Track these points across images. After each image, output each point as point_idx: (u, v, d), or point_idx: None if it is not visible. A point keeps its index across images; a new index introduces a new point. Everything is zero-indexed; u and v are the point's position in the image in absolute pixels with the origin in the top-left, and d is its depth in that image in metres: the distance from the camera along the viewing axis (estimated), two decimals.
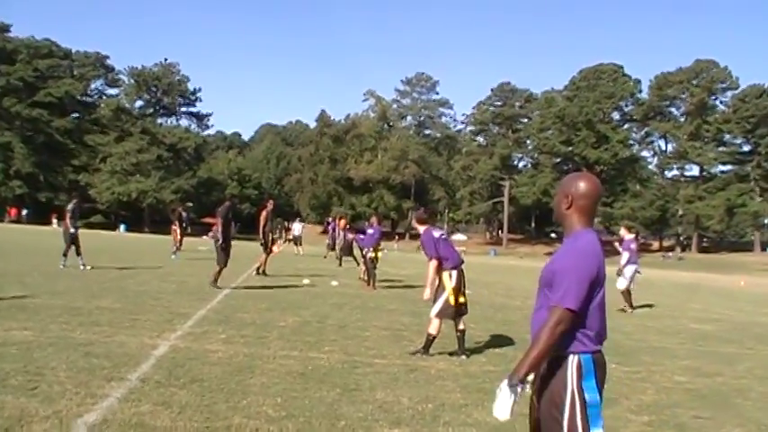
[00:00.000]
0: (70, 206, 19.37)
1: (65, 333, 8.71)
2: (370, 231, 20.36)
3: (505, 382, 3.17)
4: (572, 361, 3.21)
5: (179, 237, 27.34)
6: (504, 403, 3.13)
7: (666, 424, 6.48)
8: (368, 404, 6.39)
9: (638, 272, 18.66)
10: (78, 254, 18.44)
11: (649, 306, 19.73)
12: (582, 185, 3.41)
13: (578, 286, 3.17)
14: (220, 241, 15.84)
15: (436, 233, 9.39)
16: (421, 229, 9.53)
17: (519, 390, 3.14)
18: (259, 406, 6.03)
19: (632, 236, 19.23)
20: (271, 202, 21.02)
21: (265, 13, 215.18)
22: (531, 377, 3.33)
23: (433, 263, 9.18)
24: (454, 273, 9.16)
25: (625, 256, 17.89)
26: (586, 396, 3.18)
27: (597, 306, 3.27)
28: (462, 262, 9.42)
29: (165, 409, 5.72)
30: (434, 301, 9.10)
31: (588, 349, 3.24)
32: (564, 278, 3.20)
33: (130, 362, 7.34)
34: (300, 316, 12.07)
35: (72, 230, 18.56)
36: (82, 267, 17.90)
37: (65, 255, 18.41)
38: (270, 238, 20.54)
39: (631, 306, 17.65)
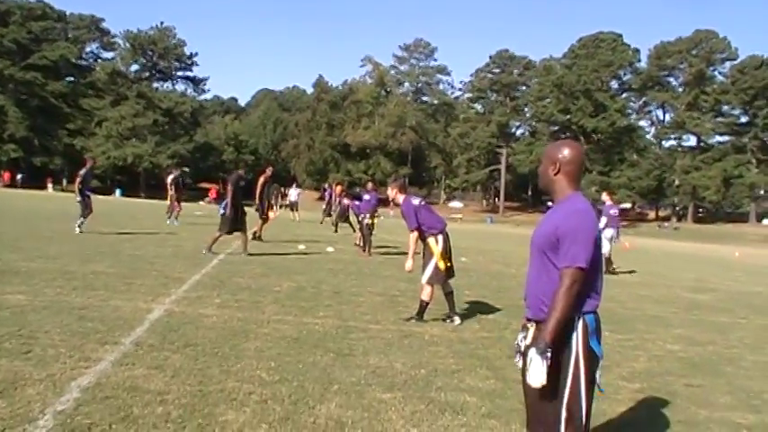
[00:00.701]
0: (83, 171, 19.18)
1: (59, 297, 8.72)
2: (366, 198, 20.34)
3: (533, 350, 3.25)
4: (578, 322, 3.32)
5: (176, 201, 27.18)
6: (537, 370, 3.22)
7: (658, 391, 6.51)
8: (361, 369, 6.42)
9: (616, 238, 19.31)
10: (83, 216, 18.32)
11: (631, 272, 20.13)
12: (567, 151, 3.54)
13: (586, 245, 3.29)
14: (228, 209, 15.68)
15: (416, 200, 9.35)
16: (400, 198, 9.43)
17: (548, 355, 3.22)
18: (253, 370, 6.05)
19: (611, 203, 19.86)
20: (270, 168, 20.96)
21: None
22: (527, 340, 3.41)
23: (414, 234, 9.19)
24: (440, 237, 9.15)
25: (603, 220, 18.47)
26: (592, 353, 3.34)
27: (597, 265, 3.39)
28: (445, 225, 9.41)
29: (158, 372, 5.73)
30: (423, 267, 9.10)
31: (591, 308, 3.37)
32: (572, 239, 3.30)
33: (125, 326, 7.36)
34: (295, 281, 12.09)
35: (79, 198, 18.42)
36: (77, 230, 17.84)
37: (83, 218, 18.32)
38: (266, 203, 20.53)
39: (609, 270, 18.19)
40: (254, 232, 19.94)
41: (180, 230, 22.03)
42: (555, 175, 3.54)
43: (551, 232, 3.39)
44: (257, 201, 20.20)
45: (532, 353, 3.25)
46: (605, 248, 17.95)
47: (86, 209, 18.43)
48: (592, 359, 3.33)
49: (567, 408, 3.29)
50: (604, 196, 20.12)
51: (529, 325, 3.48)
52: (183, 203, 30.21)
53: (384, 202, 16.46)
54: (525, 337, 3.49)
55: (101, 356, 6.07)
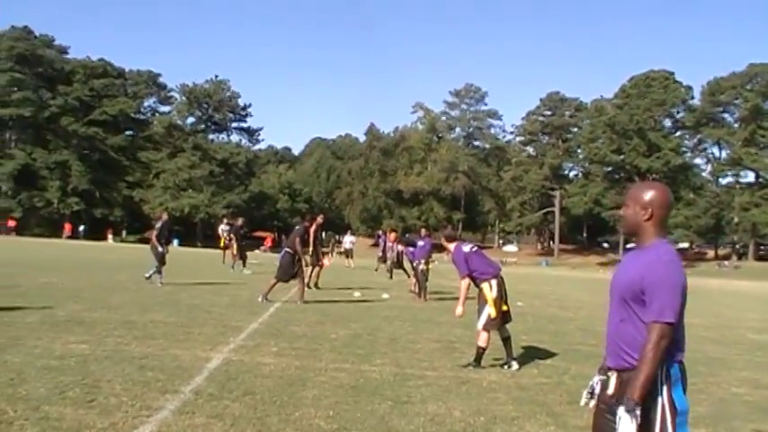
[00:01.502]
0: (159, 224, 19.56)
1: (120, 346, 8.87)
2: (420, 243, 20.37)
3: (622, 408, 3.16)
4: (662, 371, 3.23)
5: (235, 250, 27.58)
6: (628, 429, 3.13)
7: None
8: (419, 417, 6.38)
9: None
10: (159, 271, 18.59)
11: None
12: (660, 196, 3.42)
13: (674, 298, 3.20)
14: (287, 258, 16.01)
15: (466, 248, 9.38)
16: (451, 247, 9.51)
17: (638, 413, 3.13)
18: (311, 418, 6.06)
19: None
20: (321, 216, 21.22)
21: (314, 28, 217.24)
22: (606, 387, 3.37)
23: (466, 281, 9.18)
24: (494, 282, 9.11)
25: None
26: (677, 404, 3.22)
27: (683, 316, 3.30)
28: (500, 270, 9.38)
29: (218, 421, 5.78)
30: (479, 313, 9.07)
31: (676, 359, 3.28)
32: (658, 291, 3.20)
33: (184, 374, 7.44)
34: (351, 329, 12.11)
35: (160, 249, 18.72)
36: (160, 284, 18.07)
37: (159, 272, 18.56)
38: (320, 251, 20.67)
39: None
40: (308, 282, 19.94)
41: (236, 279, 22.24)
42: (646, 220, 3.41)
43: (636, 282, 3.29)
44: (311, 248, 20.35)
45: (621, 411, 3.16)
46: None
47: (162, 260, 18.67)
48: (674, 410, 3.22)
49: None
50: None
51: (610, 373, 3.39)
52: (227, 251, 30.71)
53: (439, 247, 16.44)
54: (601, 383, 3.41)
55: (161, 405, 6.14)
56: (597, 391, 3.41)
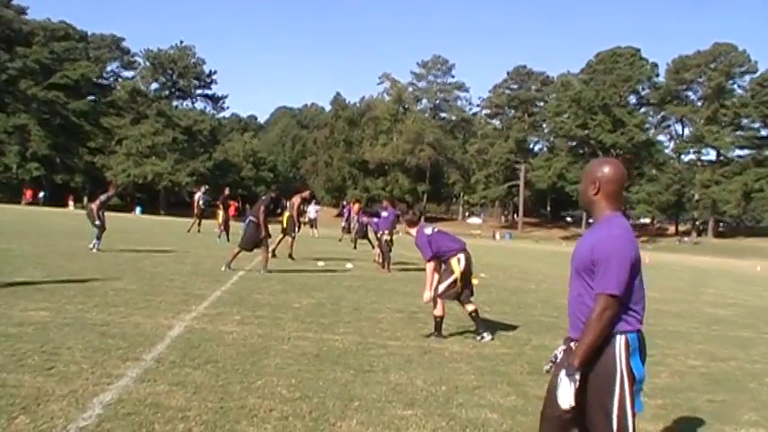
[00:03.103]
0: (105, 197, 19.30)
1: (81, 314, 8.78)
2: (384, 214, 20.38)
3: (563, 372, 3.29)
4: (620, 340, 3.33)
5: (221, 219, 27.31)
6: (566, 392, 3.26)
7: (680, 407, 6.47)
8: (381, 385, 6.41)
9: None
10: (98, 237, 18.34)
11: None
12: (608, 170, 3.50)
13: (620, 270, 3.28)
14: (252, 227, 15.94)
15: (428, 230, 9.37)
16: (413, 231, 9.51)
17: (577, 377, 3.26)
18: (273, 387, 6.06)
19: None
20: (308, 192, 21.56)
21: None
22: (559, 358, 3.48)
23: (431, 264, 9.18)
24: (462, 256, 9.14)
25: None
26: (635, 372, 3.32)
27: (638, 286, 3.39)
28: (465, 245, 9.41)
29: (180, 389, 5.75)
30: (440, 281, 9.10)
31: (634, 328, 3.37)
32: (606, 264, 3.30)
33: (146, 342, 7.40)
34: (315, 298, 12.11)
35: (98, 222, 18.43)
36: (96, 249, 17.86)
37: (98, 238, 18.31)
38: (300, 223, 20.90)
39: None
40: (289, 254, 19.88)
41: (199, 247, 22.11)
42: (595, 195, 3.51)
43: (588, 256, 3.39)
44: (296, 220, 20.43)
45: (562, 375, 3.29)
46: None
47: (103, 228, 18.46)
48: (632, 377, 3.32)
49: (618, 428, 3.28)
50: None
51: (572, 344, 3.45)
52: (204, 221, 30.44)
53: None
54: (564, 352, 3.50)
55: (122, 373, 6.10)
56: (560, 359, 3.48)
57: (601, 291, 3.28)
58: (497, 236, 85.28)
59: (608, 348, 3.32)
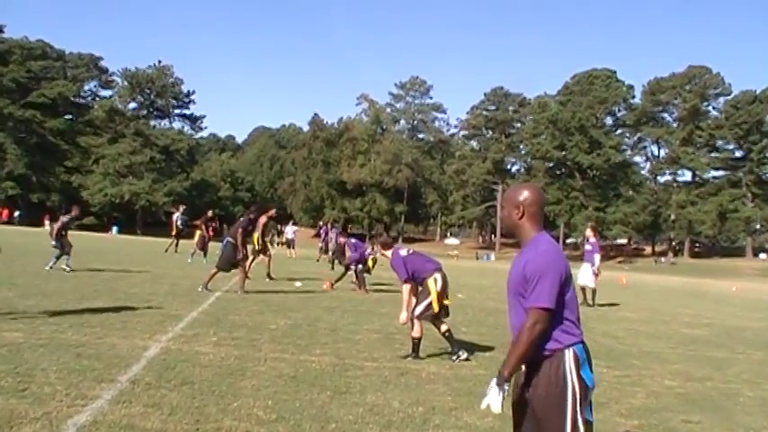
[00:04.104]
0: (67, 219, 19.06)
1: (55, 334, 8.70)
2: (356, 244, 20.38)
3: (494, 381, 3.40)
4: (568, 355, 3.42)
5: (197, 239, 27.13)
6: (495, 399, 3.37)
7: (656, 428, 6.50)
8: (358, 407, 6.40)
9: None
10: (59, 257, 18.09)
11: (614, 305, 20.49)
12: (529, 194, 3.67)
13: (551, 285, 3.38)
14: (229, 247, 15.92)
15: (403, 252, 9.43)
16: (388, 253, 9.59)
17: (506, 388, 3.38)
18: (250, 408, 6.04)
19: (594, 238, 20.28)
20: (274, 210, 21.42)
21: (259, 16, 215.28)
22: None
23: (407, 286, 9.19)
24: (438, 276, 9.18)
25: (597, 257, 19.17)
26: (586, 382, 3.42)
27: (572, 299, 3.49)
28: (440, 265, 9.45)
29: (155, 410, 5.72)
30: (417, 303, 9.11)
31: (578, 339, 3.48)
32: (537, 280, 3.40)
33: (121, 363, 7.34)
34: (292, 319, 12.08)
35: (54, 242, 18.17)
36: (49, 268, 17.61)
37: (59, 257, 18.04)
38: (267, 241, 20.73)
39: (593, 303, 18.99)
40: (268, 274, 19.82)
41: (175, 268, 21.99)
42: (519, 219, 3.64)
43: (521, 277, 3.49)
44: (261, 240, 20.33)
45: (492, 383, 3.40)
46: (593, 282, 18.87)
47: (66, 246, 18.19)
48: (585, 388, 3.40)
49: None
50: (589, 232, 20.44)
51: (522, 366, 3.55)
52: (180, 241, 30.25)
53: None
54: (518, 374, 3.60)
55: (97, 394, 6.05)
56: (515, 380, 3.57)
57: (532, 304, 3.39)
58: (485, 257, 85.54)
59: (558, 364, 3.41)
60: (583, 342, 3.50)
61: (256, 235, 20.42)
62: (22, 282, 14.42)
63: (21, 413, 5.34)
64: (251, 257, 19.86)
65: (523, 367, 3.54)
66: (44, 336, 8.55)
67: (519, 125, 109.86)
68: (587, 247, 19.83)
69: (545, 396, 3.40)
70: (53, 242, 18.18)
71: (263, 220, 20.51)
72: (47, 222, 71.36)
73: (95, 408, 5.65)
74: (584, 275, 18.55)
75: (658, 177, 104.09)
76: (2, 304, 10.91)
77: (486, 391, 3.42)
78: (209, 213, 28.76)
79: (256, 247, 20.26)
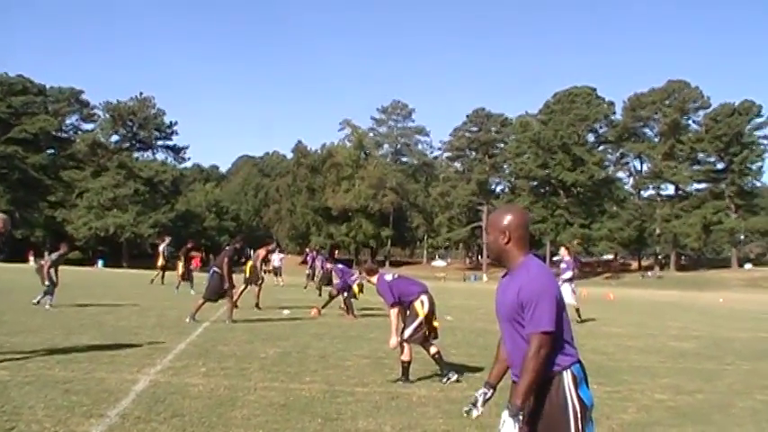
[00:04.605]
0: (56, 256, 18.82)
1: (42, 371, 8.63)
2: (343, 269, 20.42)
3: (506, 413, 3.37)
4: (567, 376, 3.43)
5: (180, 270, 27.18)
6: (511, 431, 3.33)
7: None
8: None
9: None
10: (50, 293, 17.89)
11: (593, 320, 20.62)
12: (514, 218, 3.63)
13: (549, 308, 3.37)
14: (215, 278, 15.93)
15: (389, 277, 9.47)
16: (373, 279, 9.57)
17: (520, 418, 3.35)
18: None
19: (568, 257, 20.80)
20: (275, 243, 21.80)
21: (239, 45, 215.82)
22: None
23: (394, 310, 9.22)
24: (425, 298, 9.20)
25: (569, 273, 19.57)
26: (585, 401, 3.43)
27: (565, 320, 3.49)
28: (426, 288, 9.47)
29: None
30: (405, 326, 9.12)
31: (575, 359, 3.49)
32: (535, 304, 3.37)
33: (110, 398, 7.29)
34: (281, 347, 12.03)
35: (47, 282, 17.94)
36: (48, 306, 17.43)
37: (51, 293, 17.82)
38: (260, 272, 20.82)
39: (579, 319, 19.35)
40: (256, 303, 19.79)
41: (163, 299, 21.88)
42: (506, 244, 3.60)
43: (515, 303, 3.46)
44: (257, 270, 20.46)
45: (505, 415, 3.37)
46: (573, 300, 19.21)
47: (53, 285, 17.98)
48: (584, 407, 3.41)
49: None
50: (563, 251, 20.84)
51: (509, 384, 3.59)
52: (167, 272, 30.17)
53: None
54: (483, 395, 3.67)
55: (87, 430, 6.01)
56: (480, 402, 3.60)
57: (533, 330, 3.37)
58: (473, 278, 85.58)
59: (558, 386, 3.41)
60: (579, 361, 3.51)
61: (250, 264, 20.56)
62: (8, 319, 14.30)
63: None
64: (242, 287, 19.91)
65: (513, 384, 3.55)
66: (31, 373, 8.49)
67: (502, 145, 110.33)
68: (562, 266, 20.02)
69: (547, 418, 3.41)
70: (46, 282, 17.89)
71: (262, 252, 20.81)
72: (31, 258, 71.19)
73: None
74: (565, 295, 18.73)
75: (642, 192, 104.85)
76: None
77: (500, 426, 3.39)
78: (189, 245, 28.88)
79: (247, 276, 20.33)
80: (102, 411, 6.70)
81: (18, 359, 9.43)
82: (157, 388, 7.98)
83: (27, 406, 6.75)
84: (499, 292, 3.67)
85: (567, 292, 18.87)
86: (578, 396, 3.40)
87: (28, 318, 14.79)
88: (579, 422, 3.36)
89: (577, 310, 19.38)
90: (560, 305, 3.43)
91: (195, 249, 29.41)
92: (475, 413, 3.49)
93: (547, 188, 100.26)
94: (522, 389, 3.36)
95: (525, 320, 3.41)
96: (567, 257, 20.38)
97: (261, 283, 20.48)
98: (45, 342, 11.18)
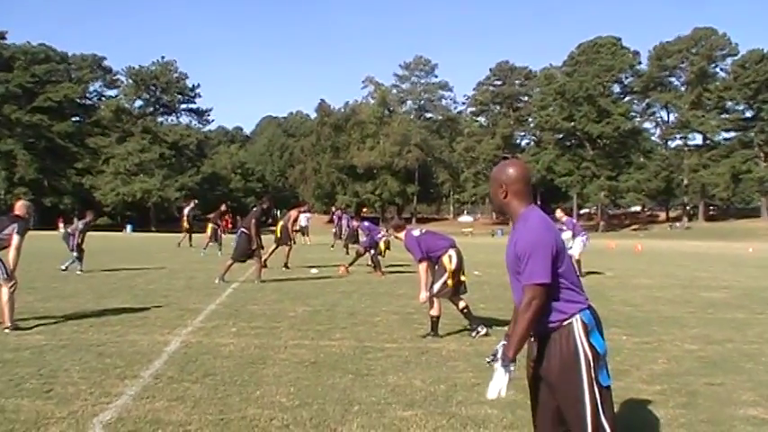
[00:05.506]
0: (81, 224, 19.13)
1: (76, 335, 8.77)
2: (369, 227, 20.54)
3: (498, 363, 3.43)
4: (576, 323, 3.43)
5: (209, 232, 27.46)
6: (500, 383, 3.42)
7: (678, 392, 6.49)
8: (380, 388, 6.43)
9: (585, 242, 20.06)
10: (79, 258, 18.27)
11: (599, 273, 20.58)
12: (512, 172, 3.63)
13: (543, 260, 3.37)
14: (243, 238, 16.03)
15: (416, 232, 9.48)
16: (401, 235, 9.59)
17: (512, 368, 3.41)
18: (272, 396, 6.07)
19: (566, 217, 21.21)
20: (308, 206, 21.82)
21: (259, 4, 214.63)
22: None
23: (423, 264, 9.24)
24: (453, 252, 9.20)
25: (568, 233, 19.37)
26: (597, 348, 3.42)
27: (568, 269, 3.49)
28: (454, 242, 9.46)
29: (179, 404, 5.76)
30: (433, 282, 9.14)
31: (584, 305, 3.48)
32: (529, 256, 3.39)
33: (143, 359, 7.40)
34: (310, 305, 12.12)
35: (77, 253, 18.28)
36: (79, 271, 17.75)
37: (79, 259, 18.25)
38: (292, 234, 21.10)
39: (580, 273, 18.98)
40: (285, 263, 19.92)
41: (192, 262, 22.08)
42: (505, 198, 3.62)
43: (514, 255, 3.49)
44: (290, 231, 20.67)
45: (497, 365, 3.44)
46: (576, 251, 19.09)
47: (82, 252, 18.33)
48: (596, 354, 3.41)
49: (590, 409, 3.36)
50: (559, 213, 20.87)
51: (532, 339, 3.58)
52: (194, 234, 30.41)
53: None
54: (503, 347, 3.59)
55: (121, 391, 6.10)
56: (500, 354, 3.53)
57: (527, 281, 3.38)
58: (500, 232, 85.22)
59: (568, 334, 3.42)
60: (590, 307, 3.51)
61: (281, 224, 20.69)
62: (41, 285, 14.51)
63: (47, 414, 5.40)
64: (273, 246, 20.07)
65: (535, 342, 3.56)
66: (65, 337, 8.63)
67: (526, 98, 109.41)
68: (563, 227, 19.89)
69: (559, 366, 3.42)
70: (75, 253, 18.24)
71: (294, 214, 21.00)
72: (61, 225, 72.02)
73: (120, 404, 5.71)
74: (575, 248, 19.04)
75: (669, 142, 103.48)
76: (22, 308, 10.98)
77: (491, 375, 3.44)
78: (223, 208, 28.99)
79: (277, 237, 20.50)
80: (136, 372, 6.81)
81: (52, 323, 9.59)
82: (189, 348, 8.08)
83: (63, 369, 6.88)
84: (507, 245, 3.69)
85: (577, 245, 19.27)
86: (590, 344, 3.40)
87: (60, 283, 15.01)
88: (592, 370, 3.37)
89: (578, 262, 19.21)
90: (558, 256, 3.42)
91: (227, 213, 29.45)
92: (497, 365, 3.47)
93: (572, 141, 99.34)
94: (514, 340, 3.41)
95: (521, 272, 3.43)
96: (566, 218, 20.62)
97: (291, 244, 20.64)
98: (77, 306, 11.36)
